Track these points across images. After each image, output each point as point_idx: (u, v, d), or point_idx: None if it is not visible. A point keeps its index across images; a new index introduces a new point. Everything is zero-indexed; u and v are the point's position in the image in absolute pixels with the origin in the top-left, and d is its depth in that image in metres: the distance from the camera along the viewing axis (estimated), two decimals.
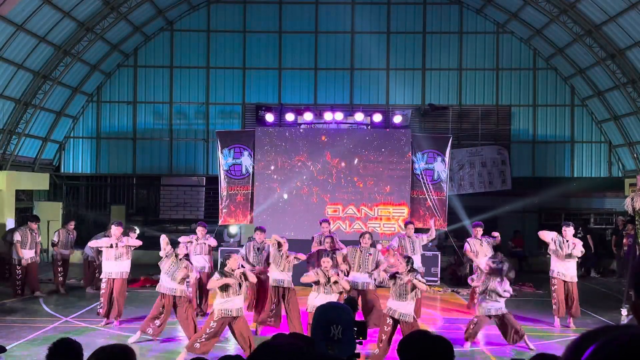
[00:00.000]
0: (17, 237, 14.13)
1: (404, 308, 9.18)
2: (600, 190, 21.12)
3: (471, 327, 10.02)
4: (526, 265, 19.14)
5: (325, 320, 2.91)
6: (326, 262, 9.77)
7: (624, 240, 17.09)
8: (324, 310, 3.07)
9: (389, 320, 9.23)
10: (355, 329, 3.26)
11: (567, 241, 11.70)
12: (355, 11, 21.16)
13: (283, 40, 21.18)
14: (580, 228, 19.15)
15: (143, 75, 21.23)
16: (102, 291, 11.39)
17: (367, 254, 11.02)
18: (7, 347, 8.79)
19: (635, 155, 19.27)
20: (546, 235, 11.98)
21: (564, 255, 11.59)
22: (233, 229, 16.89)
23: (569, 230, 11.79)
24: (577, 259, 11.95)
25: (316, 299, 9.36)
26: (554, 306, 11.79)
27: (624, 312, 12.41)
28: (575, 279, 11.77)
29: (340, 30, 21.16)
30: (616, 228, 18.77)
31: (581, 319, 12.03)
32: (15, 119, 17.46)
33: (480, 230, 12.84)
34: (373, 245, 11.66)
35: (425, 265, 15.76)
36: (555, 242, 11.73)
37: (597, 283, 17.25)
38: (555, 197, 19.97)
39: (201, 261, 12.44)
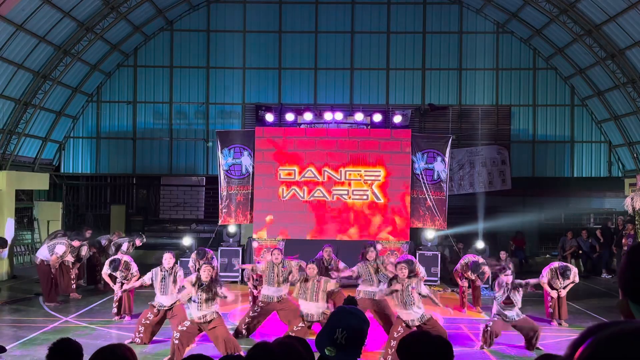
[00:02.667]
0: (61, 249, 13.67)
1: (412, 315, 9.14)
2: (600, 190, 21.13)
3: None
4: (527, 265, 19.14)
5: (334, 322, 2.90)
6: (312, 268, 10.00)
7: (624, 240, 17.09)
8: (338, 313, 3.07)
9: (400, 328, 9.16)
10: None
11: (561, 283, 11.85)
12: (355, 11, 21.16)
13: (283, 40, 21.18)
14: (601, 227, 19.23)
15: (143, 75, 21.23)
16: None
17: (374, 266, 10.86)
18: (7, 347, 8.79)
19: (635, 155, 19.27)
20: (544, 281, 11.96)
21: (562, 287, 11.73)
22: (232, 229, 16.90)
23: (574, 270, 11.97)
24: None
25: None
26: (550, 310, 11.88)
27: None
28: (563, 291, 11.86)
29: (340, 30, 21.16)
30: (616, 228, 18.78)
31: (581, 319, 12.05)
32: (15, 119, 17.46)
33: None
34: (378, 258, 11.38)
35: (425, 265, 15.79)
36: (547, 278, 11.86)
37: (597, 283, 17.26)
38: (555, 196, 20.01)
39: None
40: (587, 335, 1.36)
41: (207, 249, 13.43)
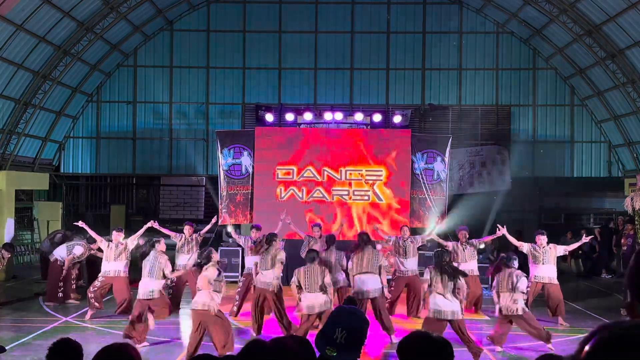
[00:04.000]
0: (78, 250, 13.56)
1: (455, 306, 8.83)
2: (600, 190, 21.13)
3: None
4: (526, 266, 19.13)
5: (334, 322, 2.90)
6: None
7: (623, 240, 17.10)
8: (337, 313, 3.07)
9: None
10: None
11: (543, 247, 11.64)
12: (355, 11, 21.16)
13: (283, 40, 21.18)
14: (600, 227, 19.22)
15: (143, 75, 21.24)
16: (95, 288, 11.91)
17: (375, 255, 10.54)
18: (6, 348, 8.79)
19: (635, 155, 19.27)
20: (524, 247, 11.85)
21: (542, 261, 11.57)
22: (231, 229, 16.89)
23: (542, 239, 11.71)
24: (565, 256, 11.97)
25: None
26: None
27: (624, 312, 12.42)
28: (555, 281, 11.64)
29: (340, 30, 21.16)
30: (616, 228, 18.79)
31: (581, 319, 12.03)
32: (15, 118, 17.47)
33: (465, 234, 12.81)
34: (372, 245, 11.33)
35: (424, 265, 15.77)
36: (530, 253, 11.70)
37: (597, 283, 17.25)
38: (555, 196, 20.02)
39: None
40: (595, 334, 1.38)
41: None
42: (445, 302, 8.71)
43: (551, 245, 11.74)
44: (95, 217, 21.85)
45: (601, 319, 12.10)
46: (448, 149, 16.76)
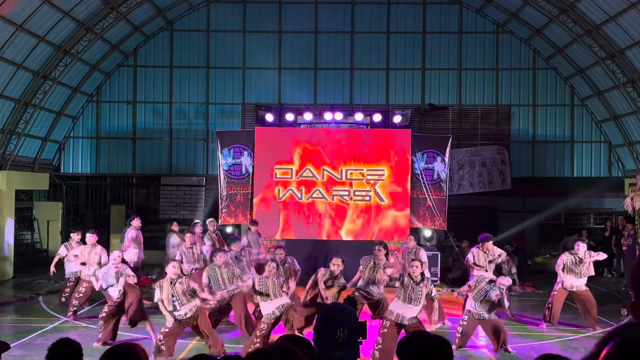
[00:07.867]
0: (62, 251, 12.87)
1: (411, 312, 8.92)
2: (600, 190, 21.12)
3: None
4: (527, 265, 19.14)
5: (332, 323, 2.91)
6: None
7: (623, 240, 17.10)
8: (331, 313, 3.07)
9: (387, 322, 9.04)
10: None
11: (581, 259, 11.39)
12: (355, 11, 21.16)
13: (283, 40, 21.17)
14: (606, 227, 19.22)
15: (143, 75, 21.23)
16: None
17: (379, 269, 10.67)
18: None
19: (635, 155, 19.26)
20: (560, 266, 11.57)
21: (581, 274, 11.38)
22: (229, 229, 16.92)
23: (582, 247, 11.49)
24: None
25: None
26: (545, 311, 11.68)
27: (624, 311, 12.44)
28: (584, 287, 11.54)
29: (340, 30, 21.15)
30: (616, 228, 18.79)
31: (581, 320, 12.02)
32: (15, 119, 17.46)
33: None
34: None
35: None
36: (567, 263, 11.38)
37: (597, 283, 17.24)
38: (555, 196, 20.00)
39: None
40: (614, 335, 1.36)
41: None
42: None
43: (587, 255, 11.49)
44: (96, 217, 21.83)
45: (600, 318, 12.09)
46: (448, 149, 16.77)
